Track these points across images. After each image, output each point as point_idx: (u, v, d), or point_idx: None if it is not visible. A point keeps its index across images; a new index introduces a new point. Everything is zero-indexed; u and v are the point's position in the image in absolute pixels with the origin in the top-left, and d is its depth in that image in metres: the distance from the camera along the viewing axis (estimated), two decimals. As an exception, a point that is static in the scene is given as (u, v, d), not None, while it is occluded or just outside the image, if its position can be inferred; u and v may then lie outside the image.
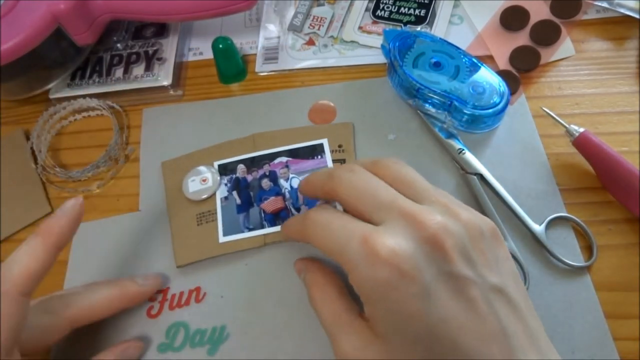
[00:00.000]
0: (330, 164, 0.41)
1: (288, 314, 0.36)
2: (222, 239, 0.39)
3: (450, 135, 0.40)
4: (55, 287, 0.39)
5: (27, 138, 0.47)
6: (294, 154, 0.42)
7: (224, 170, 0.42)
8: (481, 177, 0.38)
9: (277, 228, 0.38)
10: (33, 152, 0.46)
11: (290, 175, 0.41)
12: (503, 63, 0.44)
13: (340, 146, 0.42)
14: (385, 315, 0.26)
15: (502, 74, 0.43)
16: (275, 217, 0.39)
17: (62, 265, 0.40)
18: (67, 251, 0.41)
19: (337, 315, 0.29)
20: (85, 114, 0.48)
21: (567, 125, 0.38)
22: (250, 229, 0.39)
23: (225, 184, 0.41)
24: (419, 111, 0.42)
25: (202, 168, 0.42)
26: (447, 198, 0.29)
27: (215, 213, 0.40)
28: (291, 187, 0.40)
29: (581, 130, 0.37)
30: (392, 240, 0.25)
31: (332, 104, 0.45)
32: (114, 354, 0.33)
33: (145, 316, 0.37)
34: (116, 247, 0.40)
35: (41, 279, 0.29)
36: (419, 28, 0.47)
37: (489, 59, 0.45)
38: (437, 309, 0.25)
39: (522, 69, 0.43)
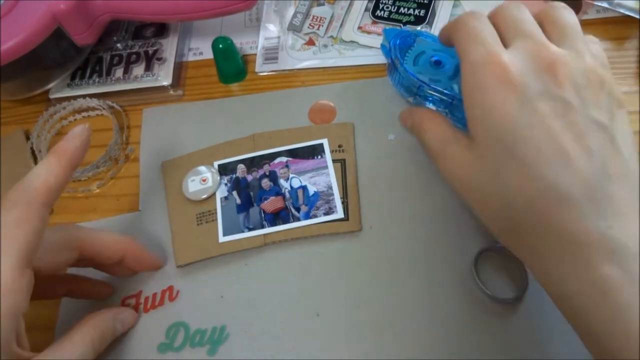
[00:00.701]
0: (330, 164, 0.41)
1: (288, 314, 0.36)
2: (222, 238, 0.39)
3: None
4: (55, 287, 0.39)
5: (27, 138, 0.47)
6: (294, 154, 0.42)
7: (224, 170, 0.42)
8: (481, 177, 0.38)
9: (277, 228, 0.38)
10: (33, 152, 0.46)
11: (291, 175, 0.41)
12: (503, 63, 0.44)
13: (340, 146, 0.42)
14: (482, 117, 0.28)
15: (502, 74, 0.43)
16: (275, 217, 0.39)
17: (62, 265, 0.40)
18: (67, 251, 0.41)
19: (444, 134, 0.32)
20: (85, 114, 0.48)
21: (567, 125, 0.38)
22: (250, 229, 0.39)
23: (225, 184, 0.41)
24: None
25: (202, 168, 0.42)
26: (586, 46, 0.29)
27: (215, 213, 0.40)
28: (291, 187, 0.40)
29: (581, 130, 0.37)
30: (510, 55, 0.28)
31: (332, 104, 0.45)
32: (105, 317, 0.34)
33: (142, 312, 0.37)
34: (116, 247, 0.40)
35: (59, 193, 0.30)
36: (419, 28, 0.47)
37: (489, 59, 0.45)
38: (528, 117, 0.26)
39: (522, 69, 0.43)
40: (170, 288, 0.38)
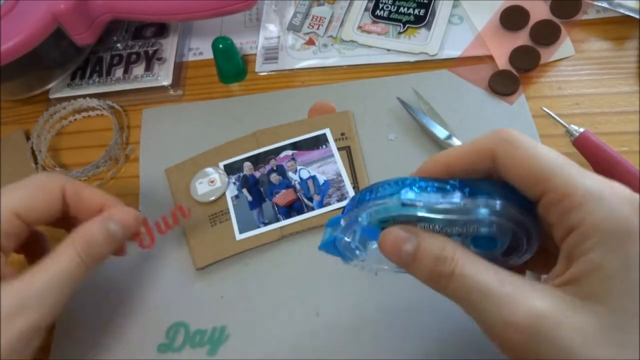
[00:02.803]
0: (335, 152, 0.41)
1: (288, 314, 0.36)
2: (239, 236, 0.39)
3: (450, 136, 0.40)
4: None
5: (27, 138, 0.47)
6: (298, 146, 0.42)
7: (230, 169, 0.42)
8: (481, 177, 0.38)
9: (293, 220, 0.39)
10: (33, 152, 0.46)
11: (298, 167, 0.41)
12: (503, 63, 0.44)
13: (343, 134, 0.42)
14: (622, 265, 0.20)
15: (502, 74, 0.43)
16: (290, 210, 0.39)
17: (62, 265, 0.40)
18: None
19: (502, 280, 0.22)
20: (85, 114, 0.48)
21: (567, 125, 0.38)
22: (265, 224, 0.39)
23: (234, 183, 0.41)
24: (415, 117, 0.42)
25: (209, 170, 0.42)
26: None
27: (228, 212, 0.40)
28: (300, 178, 0.40)
29: (581, 130, 0.37)
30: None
31: (332, 104, 0.45)
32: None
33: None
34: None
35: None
36: (418, 27, 0.47)
37: (488, 59, 0.45)
38: None
39: (522, 69, 0.43)
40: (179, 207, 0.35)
